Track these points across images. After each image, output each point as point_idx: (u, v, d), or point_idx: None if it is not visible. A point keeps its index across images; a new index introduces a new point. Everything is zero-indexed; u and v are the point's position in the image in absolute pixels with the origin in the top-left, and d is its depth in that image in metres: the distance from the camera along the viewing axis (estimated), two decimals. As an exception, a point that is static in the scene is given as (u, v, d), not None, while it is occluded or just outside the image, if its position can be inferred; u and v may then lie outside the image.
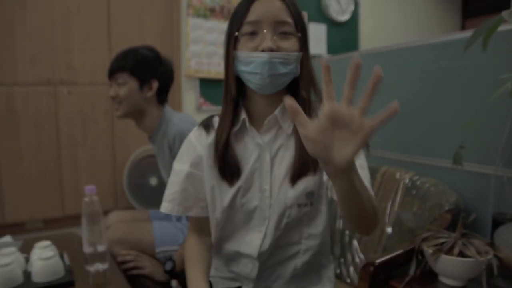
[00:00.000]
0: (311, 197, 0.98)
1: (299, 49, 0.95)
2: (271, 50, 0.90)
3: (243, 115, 1.00)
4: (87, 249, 1.12)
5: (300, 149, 0.96)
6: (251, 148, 1.01)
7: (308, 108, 0.98)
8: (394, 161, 1.72)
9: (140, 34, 3.25)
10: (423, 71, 1.60)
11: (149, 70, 1.58)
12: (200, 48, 3.43)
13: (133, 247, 1.57)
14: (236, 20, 0.96)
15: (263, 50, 0.90)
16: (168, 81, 1.66)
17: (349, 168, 0.63)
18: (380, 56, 1.81)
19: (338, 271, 1.58)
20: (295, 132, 0.98)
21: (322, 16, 4.13)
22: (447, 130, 1.50)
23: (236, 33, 0.95)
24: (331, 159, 0.59)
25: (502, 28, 1.30)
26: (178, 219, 1.72)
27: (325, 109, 0.58)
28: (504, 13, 0.95)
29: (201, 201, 1.08)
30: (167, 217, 1.73)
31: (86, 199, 1.13)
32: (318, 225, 1.02)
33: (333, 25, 4.20)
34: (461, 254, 1.03)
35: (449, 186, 1.40)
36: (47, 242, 1.21)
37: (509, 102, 1.24)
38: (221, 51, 3.48)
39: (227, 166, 1.00)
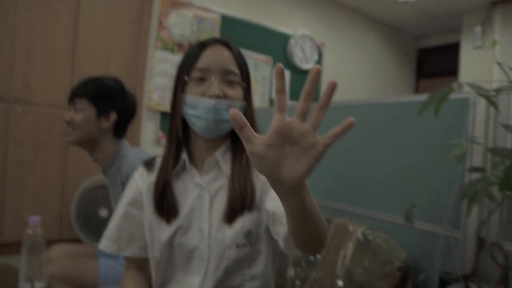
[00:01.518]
0: (250, 236, 0.99)
1: (243, 98, 1.01)
2: (218, 96, 0.95)
3: (184, 156, 1.03)
4: (23, 285, 1.05)
5: (234, 188, 0.99)
6: (191, 188, 1.03)
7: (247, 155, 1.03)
8: (348, 213, 1.75)
9: (105, 61, 3.21)
10: (379, 128, 1.67)
11: (109, 100, 1.55)
12: (165, 81, 3.43)
13: (75, 284, 1.48)
14: (187, 64, 1.01)
15: (210, 96, 0.95)
16: (128, 115, 1.63)
17: (300, 187, 0.59)
18: (338, 109, 1.87)
19: None
20: (232, 171, 1.02)
21: (287, 62, 4.27)
22: (400, 188, 1.55)
23: (186, 78, 0.99)
24: (280, 177, 0.55)
25: (452, 96, 1.40)
26: (126, 257, 1.65)
27: (274, 122, 0.54)
28: (454, 84, 1.02)
29: (137, 241, 1.09)
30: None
31: (29, 231, 1.06)
32: (259, 265, 1.02)
33: (297, 72, 4.33)
34: (409, 315, 1.05)
35: (399, 242, 1.44)
36: (-21, 276, 1.12)
37: (457, 167, 1.31)
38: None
39: (165, 204, 1.02)
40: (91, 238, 2.90)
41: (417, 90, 5.81)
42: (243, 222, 0.98)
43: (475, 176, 1.22)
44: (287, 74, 4.25)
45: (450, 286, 1.11)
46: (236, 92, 1.00)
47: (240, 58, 1.03)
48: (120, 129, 1.61)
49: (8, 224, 2.88)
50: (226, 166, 1.03)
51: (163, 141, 3.39)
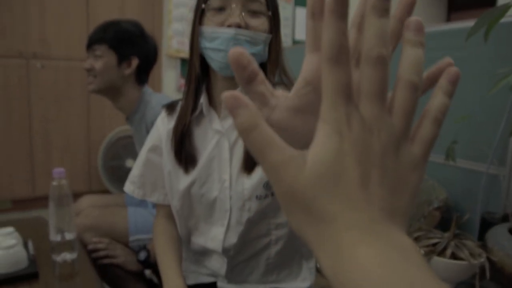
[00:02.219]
0: (271, 187, 0.89)
1: (269, 30, 0.90)
2: (239, 26, 0.85)
3: (202, 99, 0.95)
4: (53, 237, 1.04)
5: None
6: (210, 135, 0.96)
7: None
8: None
9: (120, 9, 3.11)
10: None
11: (129, 45, 1.48)
12: (183, 27, 3.31)
13: (105, 234, 1.48)
14: None
15: (229, 26, 0.85)
16: (149, 60, 1.56)
17: None
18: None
19: (318, 264, 1.54)
20: None
21: (310, 0, 4.05)
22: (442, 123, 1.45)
23: (203, 6, 0.89)
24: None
25: (501, 20, 1.25)
26: (154, 205, 1.64)
27: (306, 67, 0.33)
28: (514, 2, 0.89)
29: (161, 188, 1.05)
30: (142, 203, 1.65)
31: (54, 183, 1.04)
32: None
33: (320, 10, 4.12)
34: (453, 256, 0.98)
35: (438, 180, 1.36)
36: (10, 229, 1.11)
37: (506, 97, 1.20)
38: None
39: (183, 153, 0.95)
40: (120, 188, 2.91)
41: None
42: (263, 172, 0.88)
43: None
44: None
45: (497, 226, 1.04)
46: (260, 22, 0.88)
47: None
48: (143, 75, 1.55)
49: (39, 179, 2.93)
50: None
51: (185, 89, 3.35)
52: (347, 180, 0.25)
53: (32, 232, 1.26)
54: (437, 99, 0.29)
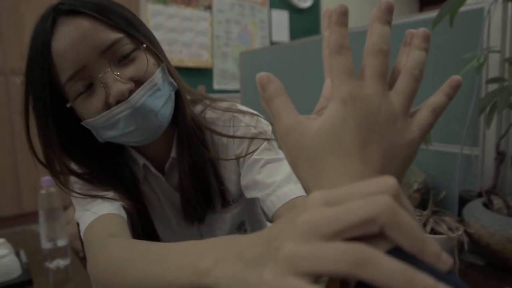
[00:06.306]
0: (243, 226, 0.89)
1: (157, 61, 0.69)
2: (130, 91, 0.63)
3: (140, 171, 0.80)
4: (45, 244, 1.06)
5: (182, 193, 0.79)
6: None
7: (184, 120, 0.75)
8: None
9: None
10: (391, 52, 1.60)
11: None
12: (161, 35, 3.33)
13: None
14: (48, 85, 0.64)
15: (118, 102, 0.63)
16: None
17: None
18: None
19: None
20: (180, 178, 0.78)
21: (285, 2, 4.11)
22: (415, 110, 1.51)
23: (68, 104, 0.65)
24: None
25: (462, 8, 1.31)
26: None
27: (324, 90, 0.38)
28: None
29: None
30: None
31: (43, 191, 1.06)
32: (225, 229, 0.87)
33: (295, 11, 4.18)
34: (433, 231, 1.03)
35: (417, 164, 1.41)
36: (1, 240, 1.13)
37: (473, 81, 1.26)
38: (182, 38, 3.40)
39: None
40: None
41: (420, 18, 5.62)
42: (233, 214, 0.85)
43: (493, 88, 1.17)
44: (285, 14, 4.09)
45: (472, 201, 1.09)
46: (140, 63, 0.65)
47: (112, 15, 0.65)
48: None
49: (25, 195, 2.91)
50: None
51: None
52: (348, 140, 0.30)
53: (23, 243, 1.28)
54: (438, 96, 0.35)
